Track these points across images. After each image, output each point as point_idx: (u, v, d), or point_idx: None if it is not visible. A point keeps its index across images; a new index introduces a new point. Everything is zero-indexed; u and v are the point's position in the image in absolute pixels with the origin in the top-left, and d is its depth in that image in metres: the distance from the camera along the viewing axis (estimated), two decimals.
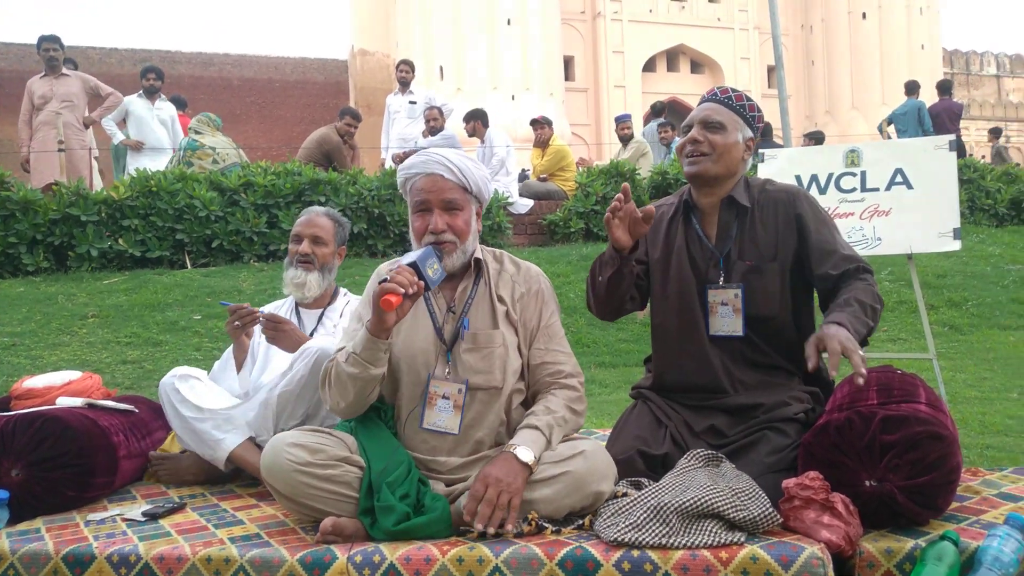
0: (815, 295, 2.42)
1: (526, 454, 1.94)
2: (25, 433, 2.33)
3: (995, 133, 17.15)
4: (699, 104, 2.44)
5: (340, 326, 2.85)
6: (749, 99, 2.42)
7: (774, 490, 1.94)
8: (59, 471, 2.33)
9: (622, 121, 10.41)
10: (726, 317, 2.34)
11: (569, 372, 2.17)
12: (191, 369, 2.73)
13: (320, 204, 7.11)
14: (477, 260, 2.20)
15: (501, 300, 2.18)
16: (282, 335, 2.67)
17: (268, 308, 2.96)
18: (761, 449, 2.13)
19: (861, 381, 1.90)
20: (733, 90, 2.43)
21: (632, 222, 2.18)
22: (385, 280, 1.90)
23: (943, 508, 1.93)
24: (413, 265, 1.93)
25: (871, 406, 1.99)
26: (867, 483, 1.89)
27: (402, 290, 1.88)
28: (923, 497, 1.87)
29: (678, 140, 2.44)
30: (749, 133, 2.38)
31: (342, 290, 3.01)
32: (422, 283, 1.93)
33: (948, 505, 1.94)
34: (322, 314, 2.89)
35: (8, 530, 2.13)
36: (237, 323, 2.71)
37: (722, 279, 2.34)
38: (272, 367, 2.76)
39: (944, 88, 11.96)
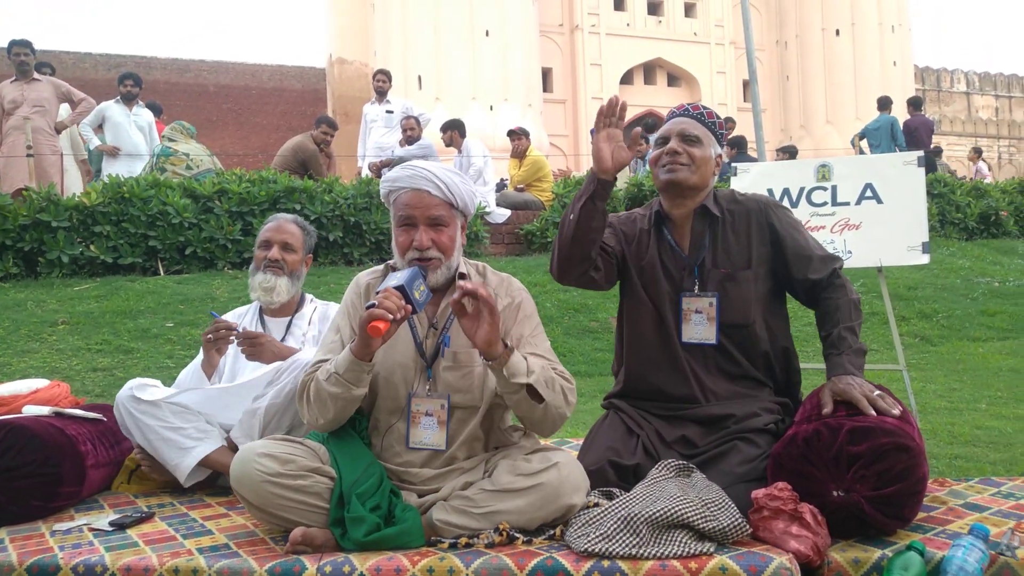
0: (786, 302, 2.46)
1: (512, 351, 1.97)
2: None
3: (977, 152, 17.71)
4: (670, 118, 2.47)
5: (309, 334, 2.83)
6: (719, 117, 2.48)
7: (744, 500, 1.95)
8: (24, 480, 2.29)
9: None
10: (699, 325, 2.36)
11: (562, 369, 2.13)
12: (146, 380, 2.66)
13: (295, 212, 7.13)
14: (460, 274, 2.17)
15: None
16: (260, 349, 2.64)
17: (230, 315, 2.94)
18: (732, 459, 2.15)
19: (897, 412, 2.01)
20: (704, 107, 2.48)
21: (616, 147, 2.19)
22: (372, 305, 1.86)
23: (910, 518, 1.95)
24: (400, 289, 1.90)
25: (838, 417, 2.02)
26: (835, 493, 1.92)
27: (391, 316, 1.84)
28: (890, 507, 1.89)
29: (652, 152, 2.46)
30: (719, 150, 2.44)
31: (308, 296, 2.99)
32: (409, 307, 1.90)
33: (915, 515, 1.97)
34: (290, 322, 2.87)
35: None
36: (211, 336, 2.68)
37: (697, 287, 2.37)
38: (238, 380, 2.74)
39: (916, 104, 12.17)
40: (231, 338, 2.67)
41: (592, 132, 2.23)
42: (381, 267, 2.25)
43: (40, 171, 7.42)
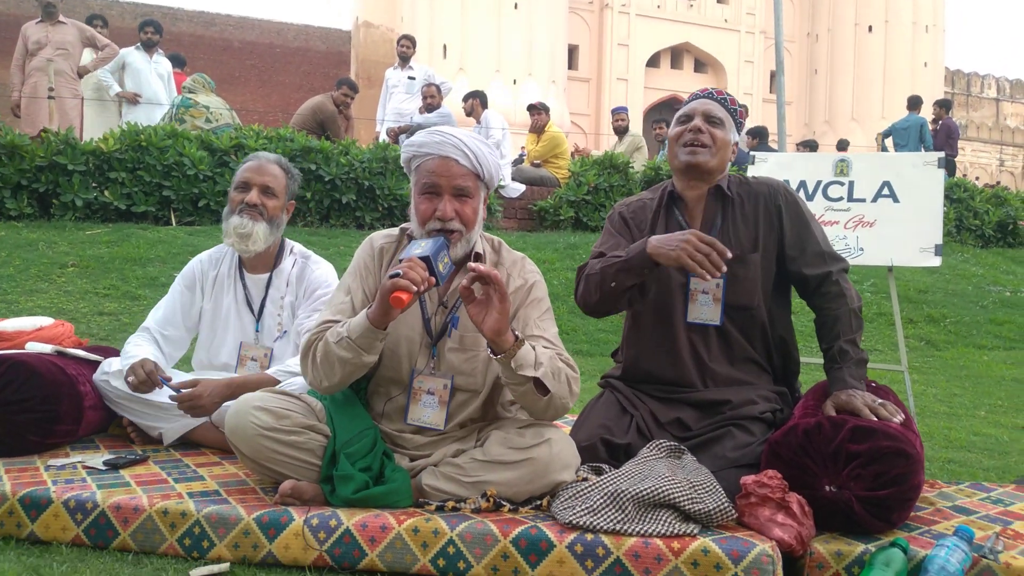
0: (790, 292, 2.46)
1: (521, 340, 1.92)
2: None
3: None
4: (693, 99, 2.46)
5: (287, 299, 2.69)
6: (740, 105, 2.48)
7: (734, 485, 1.96)
8: (23, 415, 2.32)
9: (618, 113, 10.41)
10: (705, 305, 2.37)
11: (567, 357, 2.08)
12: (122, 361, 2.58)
13: (311, 172, 7.13)
14: (476, 254, 2.11)
15: None
16: (200, 408, 2.40)
17: (208, 255, 2.78)
18: (726, 444, 2.16)
19: (899, 419, 2.01)
20: (727, 93, 2.47)
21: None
22: (397, 274, 1.81)
23: (897, 523, 1.95)
24: (426, 260, 1.85)
25: (842, 415, 2.02)
26: (827, 488, 1.92)
27: (415, 288, 1.80)
28: (879, 510, 1.90)
29: (673, 129, 2.45)
30: (736, 137, 2.45)
31: (289, 245, 2.78)
32: (433, 279, 1.85)
33: (902, 521, 1.97)
34: (269, 280, 2.71)
35: None
36: (137, 385, 2.46)
37: None
38: (226, 345, 2.71)
39: (946, 106, 12.01)
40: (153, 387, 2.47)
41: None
42: (396, 231, 2.21)
43: (61, 113, 7.43)
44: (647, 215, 2.47)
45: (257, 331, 2.70)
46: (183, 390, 2.39)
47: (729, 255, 2.09)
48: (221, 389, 2.42)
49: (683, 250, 2.09)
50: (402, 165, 2.14)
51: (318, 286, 2.69)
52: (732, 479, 2.01)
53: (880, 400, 2.08)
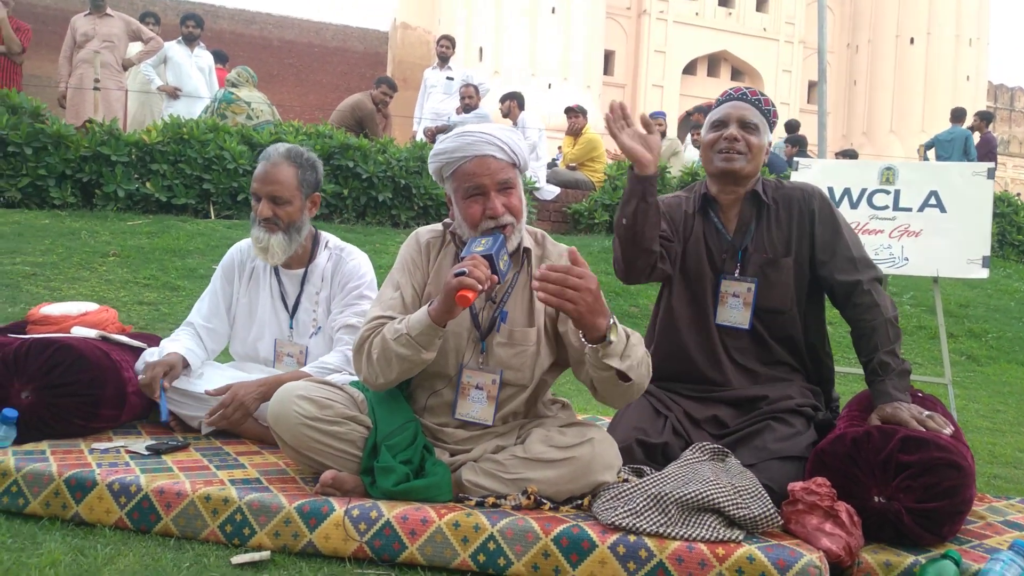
0: (824, 299, 2.44)
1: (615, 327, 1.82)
2: (39, 357, 2.34)
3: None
4: (726, 100, 2.43)
5: (321, 295, 2.67)
6: (773, 104, 2.45)
7: (778, 475, 1.96)
8: (68, 399, 2.35)
9: (655, 118, 10.36)
10: (735, 309, 2.36)
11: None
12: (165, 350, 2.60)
13: (348, 169, 7.17)
14: (525, 248, 2.10)
15: None
16: (237, 421, 2.43)
17: (244, 245, 2.73)
18: (766, 437, 2.15)
19: (948, 431, 1.97)
20: (761, 93, 2.44)
21: (643, 139, 2.13)
22: (462, 273, 1.79)
23: (947, 536, 1.90)
24: (488, 258, 1.84)
25: (892, 425, 1.98)
26: (876, 499, 1.88)
27: (480, 287, 1.79)
28: (929, 522, 1.85)
29: (707, 135, 2.42)
30: (771, 137, 2.43)
31: (324, 239, 2.71)
32: (495, 277, 1.85)
33: (953, 534, 1.92)
34: (304, 276, 2.68)
35: (14, 448, 2.15)
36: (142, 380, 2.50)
37: (738, 271, 2.36)
38: (264, 340, 2.72)
39: (987, 118, 11.81)
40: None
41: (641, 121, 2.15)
42: (439, 227, 2.20)
43: (106, 105, 7.54)
44: (682, 214, 2.45)
45: (291, 328, 2.69)
46: (214, 396, 2.42)
47: None
48: (254, 396, 2.42)
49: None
50: (432, 175, 2.10)
51: (350, 278, 2.66)
52: (775, 471, 2.01)
53: (928, 412, 2.03)
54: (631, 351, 1.84)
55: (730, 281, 2.36)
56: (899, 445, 1.89)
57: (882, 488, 1.88)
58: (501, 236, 1.94)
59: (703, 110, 9.92)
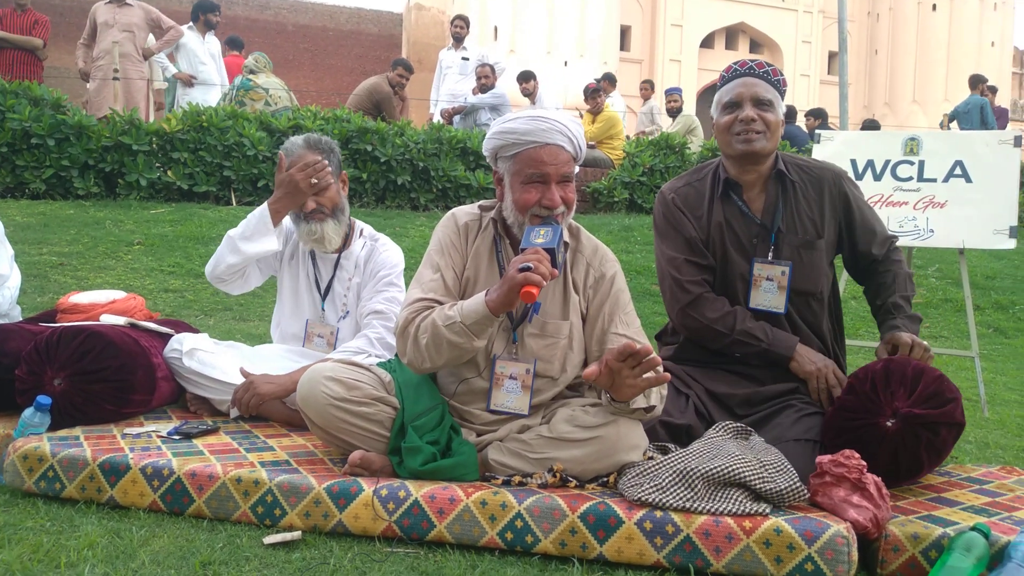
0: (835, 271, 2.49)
1: None
2: (69, 345, 2.38)
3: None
4: (735, 76, 2.37)
5: (354, 281, 2.72)
6: (781, 73, 2.42)
7: (798, 457, 1.97)
8: (99, 384, 2.38)
9: (671, 94, 10.30)
10: (769, 292, 2.33)
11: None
12: (195, 339, 2.65)
13: (366, 153, 7.18)
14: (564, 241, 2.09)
15: (575, 287, 2.11)
16: (265, 409, 2.50)
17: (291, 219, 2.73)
18: (789, 416, 2.16)
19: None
20: (768, 64, 2.40)
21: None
22: (527, 268, 1.80)
23: (943, 455, 2.09)
24: (550, 252, 1.85)
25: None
26: (887, 424, 2.01)
27: (544, 282, 1.80)
28: (934, 437, 2.00)
29: (721, 117, 2.39)
30: (784, 109, 2.40)
31: (359, 227, 2.79)
32: (556, 270, 1.86)
33: (947, 454, 2.11)
34: (337, 260, 2.74)
35: (49, 434, 2.19)
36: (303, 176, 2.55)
37: (771, 254, 2.32)
38: (298, 319, 2.76)
39: (993, 91, 11.64)
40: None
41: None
42: (475, 208, 2.18)
43: (126, 95, 7.59)
44: (701, 201, 2.41)
45: (323, 310, 2.74)
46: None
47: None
48: (270, 386, 2.46)
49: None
50: (485, 151, 2.09)
51: (381, 267, 2.71)
52: (798, 450, 2.04)
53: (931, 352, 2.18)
54: (652, 392, 1.95)
55: (763, 264, 2.33)
56: (912, 366, 2.07)
57: (900, 406, 2.01)
58: (560, 228, 1.93)
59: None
